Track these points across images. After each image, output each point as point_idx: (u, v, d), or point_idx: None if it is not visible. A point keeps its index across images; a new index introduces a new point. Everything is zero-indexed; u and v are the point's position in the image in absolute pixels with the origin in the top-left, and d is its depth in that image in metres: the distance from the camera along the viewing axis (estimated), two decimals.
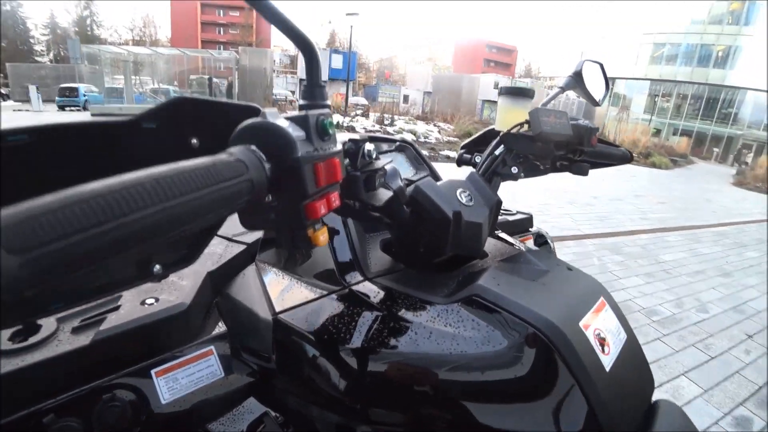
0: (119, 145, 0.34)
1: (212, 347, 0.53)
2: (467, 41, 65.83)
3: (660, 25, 34.14)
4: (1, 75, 25.51)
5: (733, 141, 32.18)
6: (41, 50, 51.15)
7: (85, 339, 0.47)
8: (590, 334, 0.46)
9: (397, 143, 0.88)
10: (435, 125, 13.88)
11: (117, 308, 0.52)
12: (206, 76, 19.57)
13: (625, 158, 0.84)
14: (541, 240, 1.12)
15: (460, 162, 0.83)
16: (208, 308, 0.59)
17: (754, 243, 5.74)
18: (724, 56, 32.37)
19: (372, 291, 0.53)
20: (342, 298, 0.53)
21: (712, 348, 2.57)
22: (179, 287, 0.57)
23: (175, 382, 0.50)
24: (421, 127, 12.54)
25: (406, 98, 30.61)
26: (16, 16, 51.06)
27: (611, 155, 0.83)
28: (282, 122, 0.31)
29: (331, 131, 0.34)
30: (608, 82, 0.88)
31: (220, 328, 0.56)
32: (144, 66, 20.98)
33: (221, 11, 54.71)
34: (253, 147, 0.29)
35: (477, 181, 0.58)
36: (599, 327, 0.48)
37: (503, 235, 0.71)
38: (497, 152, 0.71)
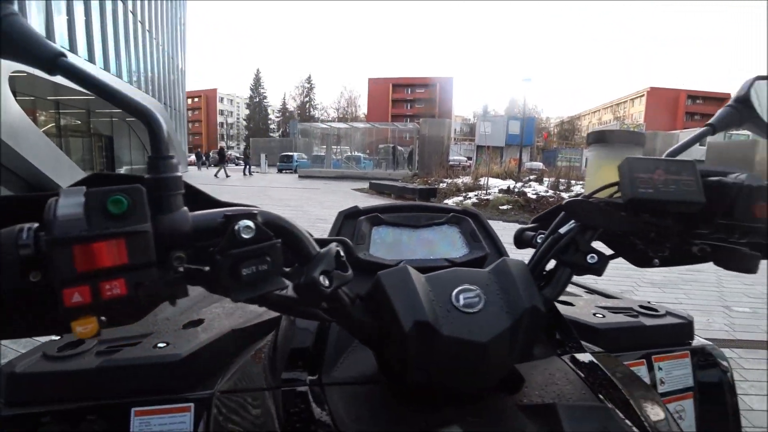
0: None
1: (192, 405, 0.50)
2: (661, 95, 57.90)
3: None
4: (248, 147, 34.79)
5: None
6: (273, 128, 66.54)
7: (95, 361, 0.50)
8: None
9: (451, 214, 0.73)
10: None
11: (136, 344, 0.54)
12: (391, 145, 22.04)
13: None
14: (707, 360, 0.70)
15: (520, 242, 0.58)
16: (222, 364, 0.55)
17: None
18: None
19: (304, 400, 0.45)
20: (274, 396, 0.47)
21: None
22: (196, 337, 0.55)
23: (147, 426, 0.49)
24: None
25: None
26: (263, 104, 68.06)
27: None
28: (69, 200, 0.28)
29: (117, 210, 0.29)
30: None
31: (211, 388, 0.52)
32: (343, 137, 24.97)
33: (409, 89, 61.99)
34: (33, 226, 0.28)
35: (509, 273, 0.40)
36: None
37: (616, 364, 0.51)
38: (564, 230, 0.45)
